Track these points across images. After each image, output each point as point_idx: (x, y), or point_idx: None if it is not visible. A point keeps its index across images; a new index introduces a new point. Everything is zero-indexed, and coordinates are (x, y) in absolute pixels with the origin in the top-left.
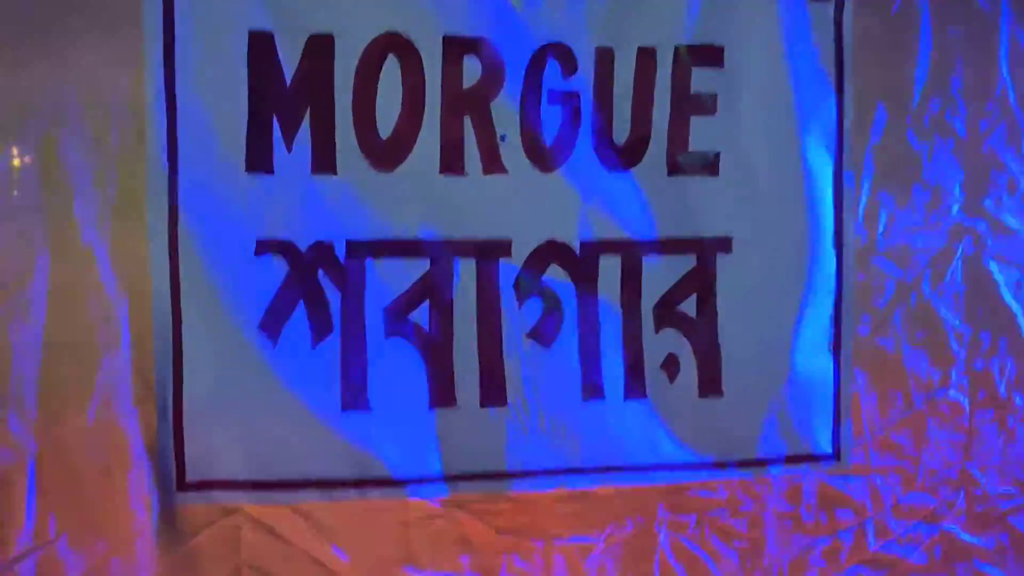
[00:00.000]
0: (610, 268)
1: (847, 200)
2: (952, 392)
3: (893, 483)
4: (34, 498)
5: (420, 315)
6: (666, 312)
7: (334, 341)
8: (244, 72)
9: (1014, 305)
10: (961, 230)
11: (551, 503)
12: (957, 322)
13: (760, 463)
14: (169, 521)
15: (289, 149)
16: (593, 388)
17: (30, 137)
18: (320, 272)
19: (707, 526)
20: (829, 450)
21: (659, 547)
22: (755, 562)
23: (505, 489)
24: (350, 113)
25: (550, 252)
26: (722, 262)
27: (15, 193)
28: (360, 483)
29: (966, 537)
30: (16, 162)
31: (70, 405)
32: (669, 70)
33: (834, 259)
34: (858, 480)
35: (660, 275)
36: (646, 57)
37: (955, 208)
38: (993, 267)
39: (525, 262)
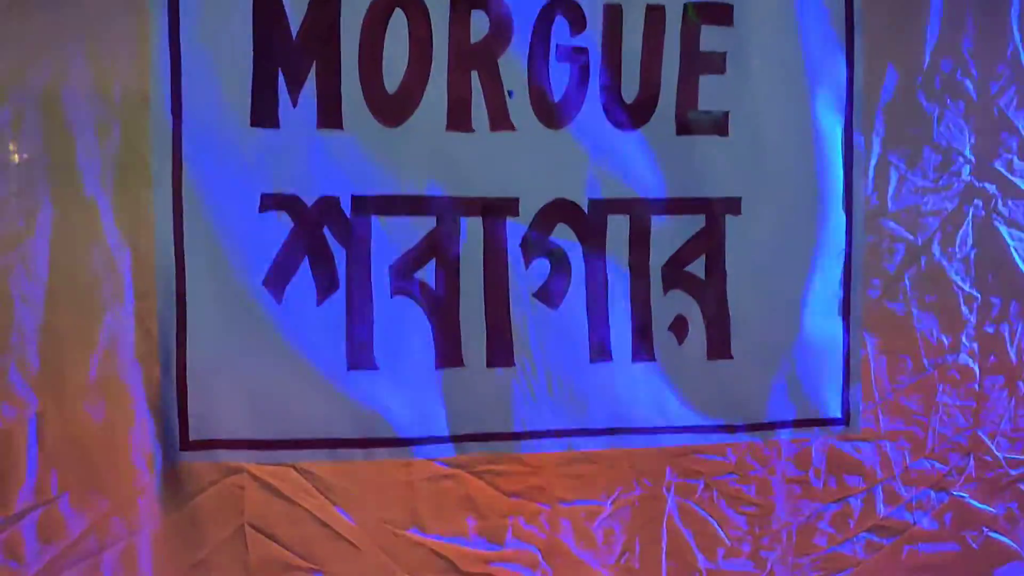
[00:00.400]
0: (618, 228)
1: (857, 161)
2: (962, 357)
3: (903, 448)
4: (35, 454)
5: (426, 273)
6: (674, 273)
7: (339, 299)
8: (249, 25)
9: None
10: (972, 192)
11: (558, 465)
12: (967, 286)
13: (769, 427)
14: (172, 480)
15: (294, 103)
16: (600, 349)
17: (33, 88)
18: (325, 228)
19: (715, 490)
20: (838, 414)
21: (667, 511)
22: (764, 527)
23: (512, 450)
24: (356, 67)
25: (558, 211)
26: (731, 223)
27: (17, 144)
28: (366, 443)
29: (976, 504)
30: (18, 113)
31: (72, 359)
32: (678, 28)
33: (844, 221)
34: (867, 445)
35: (668, 235)
36: (654, 14)
37: (966, 170)
38: (1004, 231)
39: (532, 221)
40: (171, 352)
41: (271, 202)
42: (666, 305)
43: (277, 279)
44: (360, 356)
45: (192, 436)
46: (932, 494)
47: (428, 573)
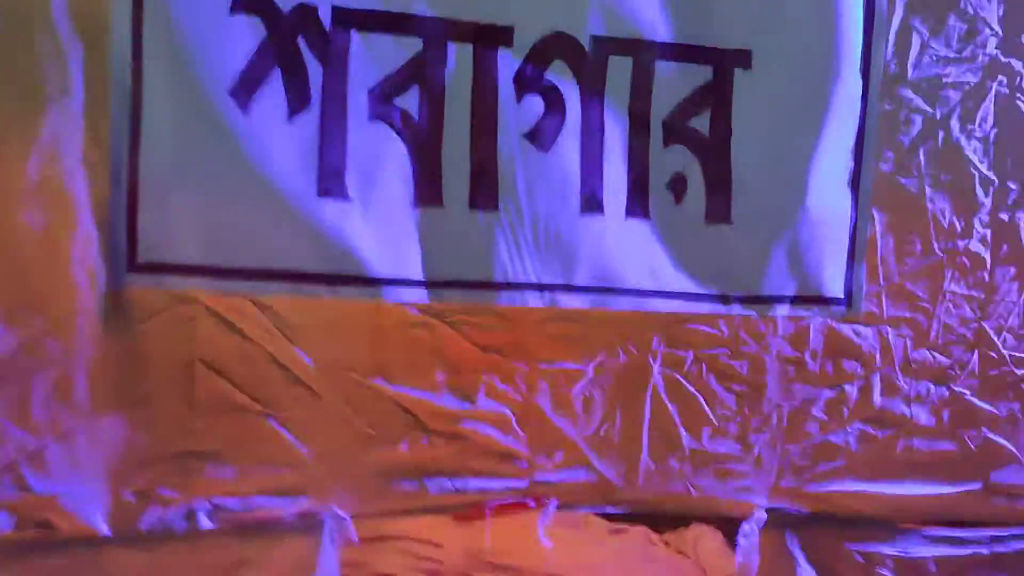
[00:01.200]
0: (620, 71)
1: (878, 22)
2: (974, 243)
3: (904, 336)
4: None
5: (408, 101)
6: (676, 126)
7: (312, 118)
8: None
9: None
10: (996, 67)
11: (539, 322)
12: (984, 167)
13: (766, 300)
14: (115, 303)
15: None
16: (592, 200)
17: None
18: (300, 38)
19: (704, 364)
20: (840, 294)
21: (652, 382)
22: (753, 408)
23: (491, 301)
24: None
25: (556, 45)
26: (740, 78)
27: None
28: (332, 279)
29: (976, 402)
30: None
31: (11, 157)
32: None
33: (860, 85)
34: (868, 330)
35: (673, 85)
36: None
37: (992, 43)
38: None
39: (528, 54)
40: (122, 160)
41: (242, 4)
42: (665, 160)
43: (244, 89)
44: (331, 182)
45: (141, 257)
46: (932, 387)
47: (390, 427)
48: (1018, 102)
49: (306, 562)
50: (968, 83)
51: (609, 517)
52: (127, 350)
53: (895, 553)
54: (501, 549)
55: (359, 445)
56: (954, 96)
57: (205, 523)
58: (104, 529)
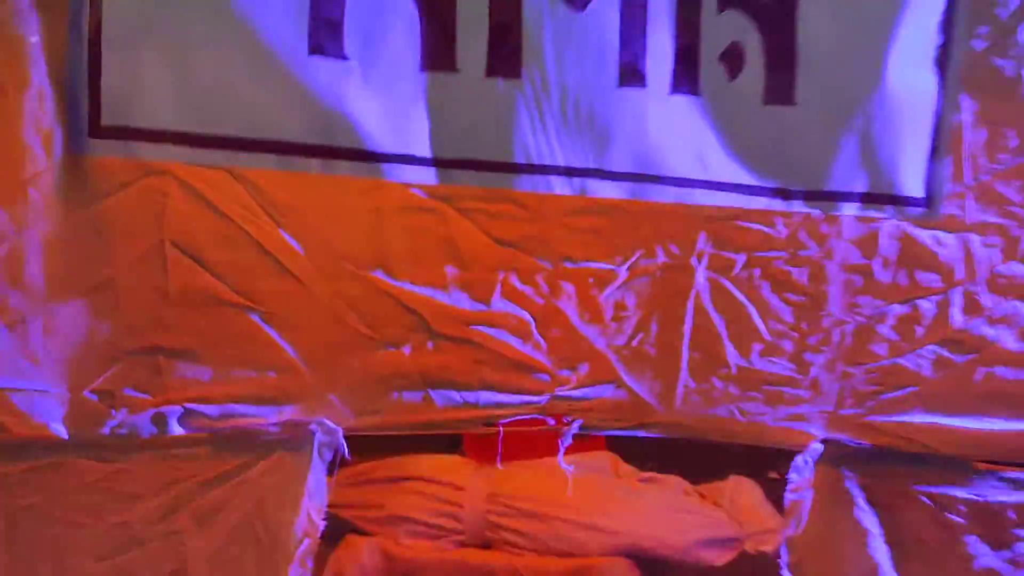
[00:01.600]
0: None
1: None
2: None
3: (993, 246)
4: None
5: None
6: None
7: None
8: None
9: None
10: None
11: (566, 214)
12: None
13: (831, 197)
14: (75, 173)
15: None
16: (632, 72)
17: None
18: None
19: (758, 269)
20: (919, 193)
21: (695, 288)
22: (812, 324)
23: (509, 185)
24: None
25: None
26: None
27: None
28: (325, 151)
29: None
30: None
31: None
32: None
33: None
34: (950, 237)
35: None
36: None
37: None
38: None
39: None
40: (83, 4)
41: None
42: (719, 28)
43: None
44: (325, 38)
45: (105, 120)
46: (1021, 307)
47: (391, 328)
48: None
49: (291, 480)
50: None
51: (640, 466)
52: (88, 227)
53: (969, 497)
54: (524, 494)
55: (354, 347)
56: None
57: (176, 429)
58: (62, 432)
